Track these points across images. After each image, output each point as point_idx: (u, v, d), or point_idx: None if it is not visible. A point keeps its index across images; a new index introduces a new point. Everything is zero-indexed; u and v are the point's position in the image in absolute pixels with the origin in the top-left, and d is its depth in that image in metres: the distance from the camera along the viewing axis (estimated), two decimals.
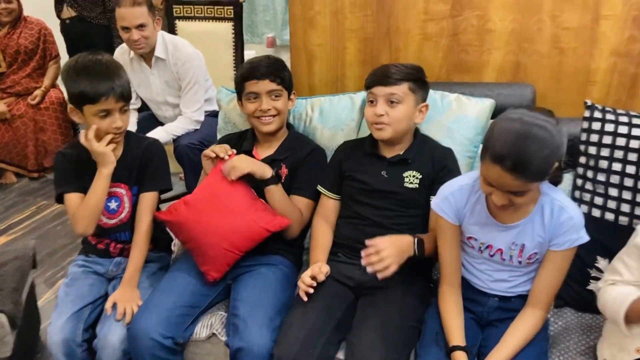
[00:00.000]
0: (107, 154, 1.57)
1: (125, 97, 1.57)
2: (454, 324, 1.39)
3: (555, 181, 1.41)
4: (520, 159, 1.17)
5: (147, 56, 2.69)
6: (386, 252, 1.38)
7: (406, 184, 1.60)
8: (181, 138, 2.67)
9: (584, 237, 1.34)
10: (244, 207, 1.64)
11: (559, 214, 1.33)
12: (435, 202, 1.45)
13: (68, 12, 3.59)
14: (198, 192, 1.68)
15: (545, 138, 1.18)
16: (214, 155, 1.70)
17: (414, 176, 1.60)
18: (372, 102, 1.59)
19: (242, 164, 1.65)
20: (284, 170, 1.75)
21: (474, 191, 1.41)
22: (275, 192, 1.67)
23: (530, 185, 1.23)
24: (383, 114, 1.55)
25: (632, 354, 1.30)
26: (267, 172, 1.66)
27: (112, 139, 1.58)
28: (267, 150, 1.78)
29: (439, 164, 1.60)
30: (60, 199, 1.65)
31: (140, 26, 2.54)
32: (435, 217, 1.46)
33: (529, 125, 1.18)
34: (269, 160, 1.75)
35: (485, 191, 1.31)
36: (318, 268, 1.53)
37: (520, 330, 1.36)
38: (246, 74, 1.72)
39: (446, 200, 1.43)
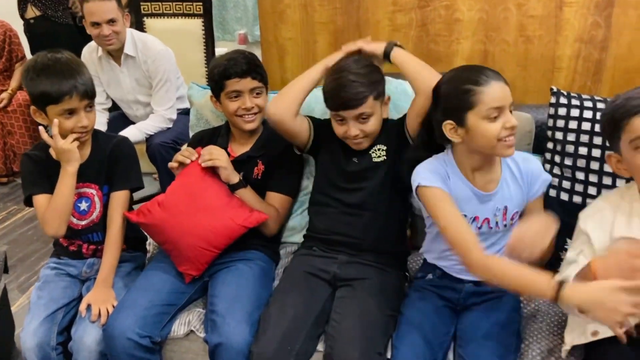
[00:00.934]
0: (71, 151, 1.53)
1: (89, 94, 1.54)
2: (515, 266, 1.24)
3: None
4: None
5: (116, 54, 2.65)
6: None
7: (374, 159, 1.61)
8: (154, 137, 2.64)
9: (548, 175, 1.49)
10: (220, 205, 1.63)
11: (525, 163, 1.45)
12: (420, 178, 1.40)
13: (32, 12, 3.50)
14: (172, 193, 1.66)
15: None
16: (176, 165, 1.68)
17: (379, 149, 1.62)
18: (341, 120, 1.57)
19: (221, 156, 1.65)
20: (260, 167, 1.74)
21: (446, 167, 1.44)
22: (244, 194, 1.67)
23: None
24: (358, 133, 1.56)
25: (588, 337, 1.33)
26: (233, 177, 1.66)
27: (77, 137, 1.55)
28: (243, 147, 1.77)
29: (396, 125, 1.63)
30: (28, 202, 1.62)
31: (111, 21, 2.50)
32: (429, 194, 1.39)
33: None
34: (245, 157, 1.74)
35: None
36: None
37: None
38: (227, 72, 1.67)
39: (431, 170, 1.41)
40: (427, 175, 1.41)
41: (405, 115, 1.62)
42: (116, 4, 2.53)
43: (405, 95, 1.78)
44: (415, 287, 1.55)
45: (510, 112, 1.34)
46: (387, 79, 1.69)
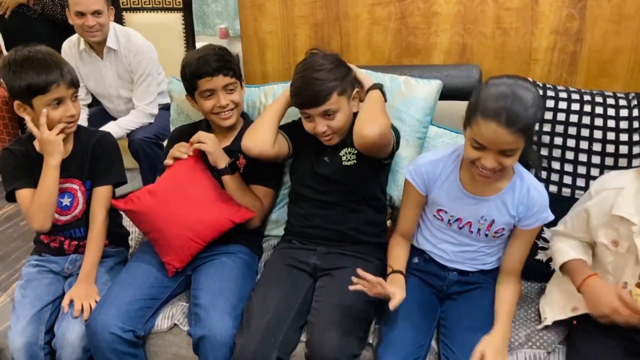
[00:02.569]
0: (56, 143, 1.52)
1: (75, 83, 1.54)
2: (399, 257, 1.52)
3: (527, 162, 1.47)
4: (513, 111, 1.22)
5: (98, 47, 2.63)
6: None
7: (344, 162, 1.63)
8: (136, 132, 2.62)
9: (550, 216, 1.43)
10: (210, 197, 1.65)
11: (528, 192, 1.40)
12: (408, 168, 1.51)
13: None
14: (163, 182, 1.67)
15: (531, 96, 1.25)
16: (172, 162, 1.68)
17: (349, 152, 1.63)
18: (307, 117, 1.58)
19: (209, 140, 1.66)
20: (242, 161, 1.74)
21: (449, 164, 1.47)
22: (229, 181, 1.68)
23: (520, 141, 1.26)
24: (325, 129, 1.56)
25: (568, 312, 1.41)
26: (220, 162, 1.66)
27: (64, 128, 1.54)
28: (224, 141, 1.78)
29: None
30: (11, 197, 1.60)
31: (96, 12, 2.48)
32: (405, 181, 1.53)
33: (515, 86, 1.26)
34: (226, 151, 1.74)
35: (472, 156, 1.32)
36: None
37: (506, 297, 1.43)
38: (198, 71, 1.66)
39: (418, 171, 1.49)
40: (414, 173, 1.49)
41: None
42: None
43: (399, 94, 1.80)
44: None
45: (509, 155, 1.28)
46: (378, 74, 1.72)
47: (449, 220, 1.48)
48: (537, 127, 1.32)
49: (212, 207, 1.63)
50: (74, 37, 2.67)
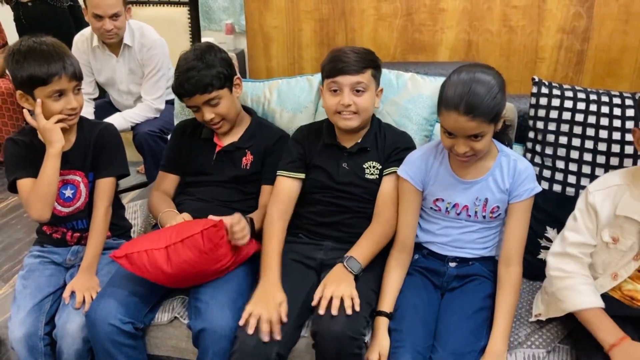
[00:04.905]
0: (54, 131, 1.51)
1: (77, 76, 1.53)
2: (390, 291, 1.48)
3: (506, 140, 1.54)
4: (471, 99, 1.29)
5: (114, 44, 2.62)
6: (329, 292, 1.37)
7: (367, 175, 1.61)
8: (140, 125, 2.62)
9: (539, 187, 1.47)
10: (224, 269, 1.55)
11: (515, 165, 1.46)
12: (401, 168, 1.54)
13: None
14: (174, 265, 1.44)
15: (489, 80, 1.32)
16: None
17: (374, 167, 1.61)
18: (335, 91, 1.56)
19: (242, 232, 1.49)
20: (249, 157, 1.73)
21: (437, 155, 1.51)
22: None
23: (485, 126, 1.33)
24: (351, 103, 1.54)
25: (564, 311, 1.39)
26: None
27: (63, 119, 1.53)
28: (230, 137, 1.76)
29: (390, 147, 1.62)
30: (12, 187, 1.60)
31: (114, 16, 2.46)
32: (400, 183, 1.54)
33: (472, 73, 1.33)
34: (232, 148, 1.74)
35: (447, 145, 1.40)
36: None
37: (506, 295, 1.42)
38: (176, 90, 1.66)
39: (412, 165, 1.52)
40: (408, 168, 1.52)
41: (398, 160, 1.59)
42: None
43: (390, 86, 1.80)
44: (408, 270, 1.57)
45: (478, 139, 1.34)
46: None
47: (447, 208, 1.50)
48: (504, 110, 1.36)
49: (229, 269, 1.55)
50: (87, 31, 2.65)
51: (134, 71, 2.69)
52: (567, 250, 1.38)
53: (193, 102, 1.65)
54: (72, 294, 1.53)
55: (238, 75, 1.75)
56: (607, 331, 1.28)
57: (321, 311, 1.35)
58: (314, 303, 1.39)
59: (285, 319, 1.39)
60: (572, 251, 1.38)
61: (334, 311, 1.34)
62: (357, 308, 1.35)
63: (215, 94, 1.64)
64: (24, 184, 1.58)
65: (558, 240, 1.43)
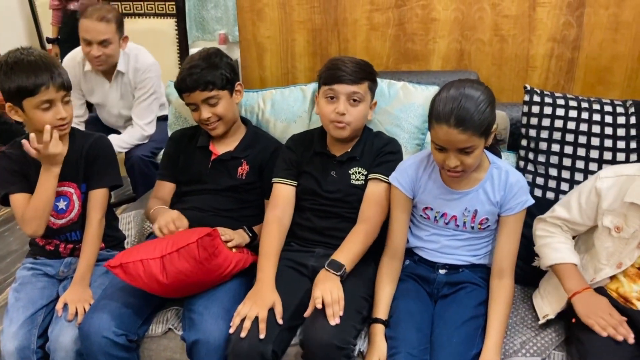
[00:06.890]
0: (61, 155, 1.52)
1: (65, 86, 1.52)
2: (383, 298, 1.48)
3: (496, 152, 1.55)
4: (461, 112, 1.31)
5: (107, 70, 2.58)
6: (317, 292, 1.38)
7: (353, 181, 1.63)
8: (134, 148, 2.58)
9: (531, 200, 1.48)
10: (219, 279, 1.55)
11: (507, 177, 1.47)
12: (393, 175, 1.55)
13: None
14: (170, 275, 1.43)
15: (478, 95, 1.33)
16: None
17: (359, 172, 1.63)
18: (331, 98, 1.57)
19: (234, 236, 1.58)
20: (245, 167, 1.74)
21: (428, 164, 1.52)
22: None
23: (475, 139, 1.33)
24: (345, 112, 1.55)
25: (565, 300, 1.42)
26: (244, 241, 1.63)
27: (53, 128, 1.51)
28: (225, 146, 1.77)
29: (376, 151, 1.63)
30: (4, 201, 1.60)
31: (104, 42, 2.43)
32: (392, 190, 1.55)
33: (462, 89, 1.34)
34: (228, 157, 1.74)
35: (438, 159, 1.41)
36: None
37: (499, 307, 1.42)
38: (179, 84, 1.68)
39: (404, 173, 1.53)
40: (399, 176, 1.54)
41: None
42: (115, 26, 2.44)
43: (382, 94, 1.80)
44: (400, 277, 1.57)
45: (468, 153, 1.35)
46: None
47: (435, 217, 1.52)
48: (493, 125, 1.38)
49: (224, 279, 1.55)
50: (78, 54, 2.59)
51: (125, 96, 2.65)
52: (552, 221, 1.52)
53: (193, 98, 1.66)
54: (65, 306, 1.52)
55: (241, 82, 1.77)
56: (574, 281, 1.40)
57: (307, 314, 1.38)
58: (306, 315, 1.40)
59: (280, 321, 1.40)
60: (556, 222, 1.52)
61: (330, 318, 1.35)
62: (340, 313, 1.35)
63: (215, 93, 1.66)
64: (17, 199, 1.57)
65: (549, 210, 1.54)
